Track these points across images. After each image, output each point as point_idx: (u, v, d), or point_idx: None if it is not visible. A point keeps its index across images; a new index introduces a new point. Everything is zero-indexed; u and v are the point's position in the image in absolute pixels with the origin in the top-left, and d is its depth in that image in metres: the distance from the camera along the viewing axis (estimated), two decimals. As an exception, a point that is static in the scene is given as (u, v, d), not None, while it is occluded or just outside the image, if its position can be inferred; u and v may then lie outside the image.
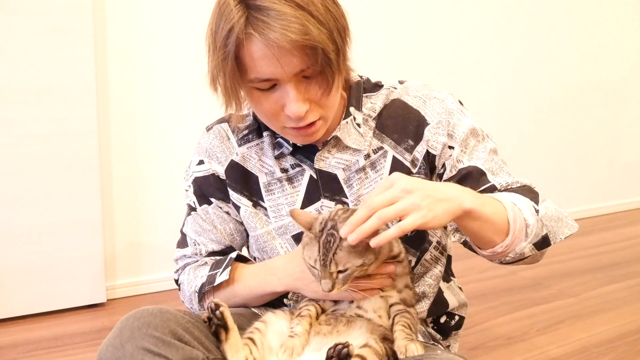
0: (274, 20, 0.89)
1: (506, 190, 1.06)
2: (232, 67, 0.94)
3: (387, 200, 0.84)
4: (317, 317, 1.00)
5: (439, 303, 1.19)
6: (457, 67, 2.92)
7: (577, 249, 2.85)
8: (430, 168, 1.11)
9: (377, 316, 0.99)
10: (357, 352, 0.87)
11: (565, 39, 3.25)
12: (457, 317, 1.23)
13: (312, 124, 1.01)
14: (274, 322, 1.00)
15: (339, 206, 1.07)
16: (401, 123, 1.11)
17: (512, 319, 2.10)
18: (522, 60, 3.13)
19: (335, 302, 1.03)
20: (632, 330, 2.00)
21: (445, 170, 1.10)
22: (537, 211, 1.00)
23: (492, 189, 1.06)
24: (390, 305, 1.00)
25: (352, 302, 1.01)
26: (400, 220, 0.83)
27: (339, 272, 0.90)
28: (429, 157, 1.10)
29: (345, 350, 0.84)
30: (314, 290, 1.01)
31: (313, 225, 0.94)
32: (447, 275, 1.23)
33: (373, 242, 0.84)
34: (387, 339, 0.95)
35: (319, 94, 0.98)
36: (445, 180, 1.09)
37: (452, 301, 1.22)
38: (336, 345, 0.85)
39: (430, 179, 1.11)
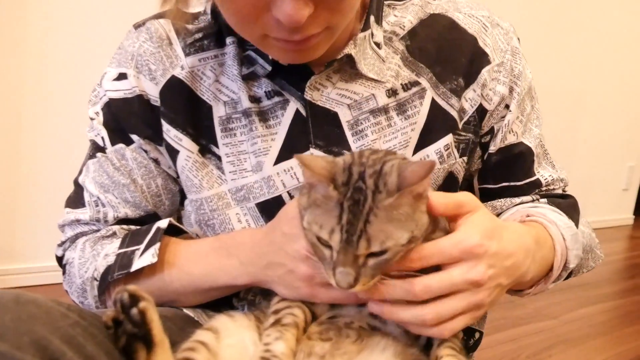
0: None
1: (548, 190, 0.83)
2: None
3: (447, 289, 0.58)
4: (306, 328, 0.60)
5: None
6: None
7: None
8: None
9: (402, 331, 0.61)
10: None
11: (526, 48, 3.10)
12: (477, 335, 0.86)
13: (311, 36, 0.62)
14: (233, 333, 0.59)
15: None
16: (448, 50, 0.77)
17: (495, 341, 1.86)
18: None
19: (333, 305, 0.63)
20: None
21: (492, 138, 0.79)
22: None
23: (537, 185, 0.82)
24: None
25: (362, 305, 0.61)
26: None
27: (371, 254, 0.52)
28: (480, 111, 0.76)
29: None
30: (299, 286, 0.61)
31: (335, 174, 0.55)
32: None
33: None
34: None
35: None
36: (489, 154, 0.80)
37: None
38: None
39: (474, 148, 0.79)
